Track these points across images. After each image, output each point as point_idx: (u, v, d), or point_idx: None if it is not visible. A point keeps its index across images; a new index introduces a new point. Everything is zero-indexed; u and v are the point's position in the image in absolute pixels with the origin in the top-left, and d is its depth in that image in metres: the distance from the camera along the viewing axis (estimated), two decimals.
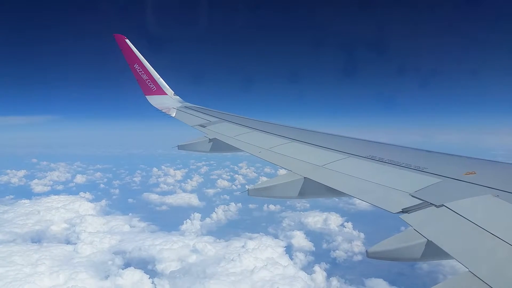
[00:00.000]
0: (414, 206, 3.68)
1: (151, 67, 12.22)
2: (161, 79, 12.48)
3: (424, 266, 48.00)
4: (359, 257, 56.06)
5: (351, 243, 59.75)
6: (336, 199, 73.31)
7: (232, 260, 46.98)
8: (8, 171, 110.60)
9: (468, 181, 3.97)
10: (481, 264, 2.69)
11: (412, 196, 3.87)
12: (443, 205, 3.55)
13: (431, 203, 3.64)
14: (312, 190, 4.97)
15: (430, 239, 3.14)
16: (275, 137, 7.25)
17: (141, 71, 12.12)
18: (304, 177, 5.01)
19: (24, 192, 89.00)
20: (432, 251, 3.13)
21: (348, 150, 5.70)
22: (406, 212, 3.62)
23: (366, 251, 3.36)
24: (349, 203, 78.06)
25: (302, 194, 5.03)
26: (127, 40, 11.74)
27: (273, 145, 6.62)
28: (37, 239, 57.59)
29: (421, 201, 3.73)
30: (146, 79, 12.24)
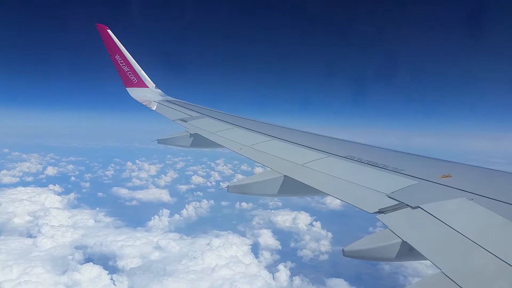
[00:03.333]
0: (391, 207, 3.73)
1: (132, 59, 12.07)
2: (142, 71, 12.35)
3: (386, 267, 48.46)
4: (325, 257, 56.43)
5: (318, 242, 59.96)
6: (309, 198, 73.95)
7: (194, 257, 46.55)
8: None
9: (444, 184, 4.06)
10: (454, 265, 2.76)
11: (389, 197, 3.92)
12: (418, 206, 3.60)
13: (407, 204, 3.69)
14: (292, 188, 5.01)
15: (405, 240, 3.18)
16: (256, 134, 7.27)
17: (122, 63, 11.97)
18: (284, 175, 5.04)
19: None
20: (407, 251, 3.17)
21: (328, 149, 5.76)
22: (383, 212, 3.65)
23: (343, 249, 3.38)
24: (320, 203, 78.48)
25: (281, 192, 5.07)
26: (109, 31, 11.52)
27: (254, 142, 6.66)
28: None
29: (398, 202, 3.78)
30: (127, 71, 12.12)
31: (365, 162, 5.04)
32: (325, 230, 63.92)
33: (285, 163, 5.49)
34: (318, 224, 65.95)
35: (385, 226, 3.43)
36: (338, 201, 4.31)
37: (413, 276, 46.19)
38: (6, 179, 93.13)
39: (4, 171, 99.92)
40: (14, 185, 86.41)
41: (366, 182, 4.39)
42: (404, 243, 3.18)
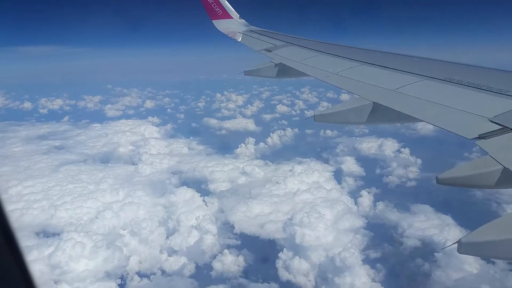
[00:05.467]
0: (492, 132, 3.54)
1: None
2: (226, 1, 12.52)
3: (478, 193, 45.90)
4: (413, 183, 54.83)
5: (406, 169, 58.05)
6: (398, 124, 70.97)
7: (277, 183, 48.49)
8: (85, 96, 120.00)
9: None
10: None
11: (491, 121, 3.71)
12: None
13: (511, 129, 3.49)
14: (382, 115, 4.86)
15: (507, 167, 3.02)
16: (343, 60, 7.07)
17: None
18: (374, 102, 4.89)
19: (98, 116, 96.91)
20: (508, 178, 3.04)
21: (423, 72, 5.49)
22: (483, 138, 3.50)
23: (436, 177, 3.33)
24: (410, 128, 75.01)
25: (370, 120, 4.96)
26: None
27: (341, 69, 6.49)
28: (105, 160, 63.62)
29: (501, 127, 3.58)
30: (212, 3, 12.34)
31: (466, 84, 4.68)
32: (414, 157, 61.35)
33: (374, 89, 5.28)
34: (406, 150, 63.46)
35: (483, 152, 3.30)
36: (430, 126, 4.24)
37: (508, 203, 43.40)
38: (111, 113, 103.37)
39: (109, 105, 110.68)
40: (118, 118, 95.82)
41: (465, 106, 4.12)
42: (505, 170, 3.01)
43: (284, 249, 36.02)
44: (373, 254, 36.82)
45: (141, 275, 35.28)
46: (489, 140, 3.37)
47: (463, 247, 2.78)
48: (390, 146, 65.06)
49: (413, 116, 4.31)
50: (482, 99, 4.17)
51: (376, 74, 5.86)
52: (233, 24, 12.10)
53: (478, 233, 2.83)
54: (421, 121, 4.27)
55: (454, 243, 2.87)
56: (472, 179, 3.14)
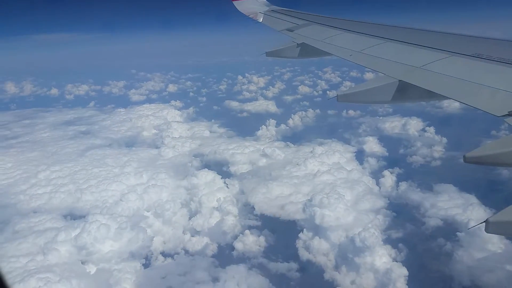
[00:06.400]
0: None
1: None
2: None
3: (505, 172, 44.63)
4: (438, 163, 53.76)
5: (431, 148, 56.84)
6: (423, 103, 69.23)
7: (297, 164, 48.44)
8: (110, 82, 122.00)
9: None
10: None
11: None
12: None
13: None
14: (407, 94, 4.76)
15: None
16: (367, 37, 6.90)
17: None
18: (399, 80, 4.79)
19: (123, 101, 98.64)
20: None
21: (451, 48, 5.33)
22: None
23: (464, 156, 3.27)
24: (435, 107, 73.25)
25: (395, 98, 4.85)
26: None
27: (365, 47, 6.35)
28: (130, 143, 64.97)
29: None
30: None
31: (496, 60, 4.53)
32: (440, 136, 59.92)
33: (400, 66, 5.16)
34: (431, 129, 61.98)
35: None
36: (457, 104, 4.19)
37: None
38: (135, 97, 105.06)
39: (133, 90, 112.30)
40: (142, 102, 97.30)
41: (495, 82, 4.00)
42: None
43: (304, 229, 36.16)
44: (395, 234, 36.58)
45: (165, 255, 36.18)
46: None
47: (491, 227, 2.70)
48: (414, 125, 63.74)
49: (440, 94, 4.20)
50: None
51: (401, 51, 5.73)
52: (254, 4, 11.92)
53: (506, 212, 2.75)
54: (449, 98, 4.16)
55: (481, 223, 2.82)
56: (500, 157, 3.05)
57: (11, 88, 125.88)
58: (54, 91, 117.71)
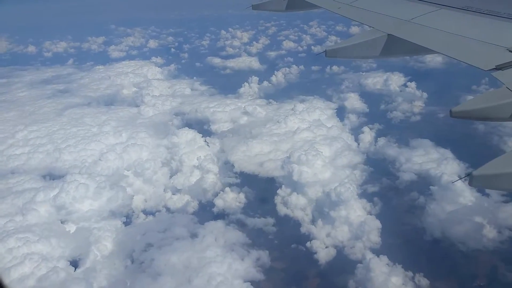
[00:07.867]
0: (510, 62, 3.36)
1: None
2: None
3: (480, 126, 45.34)
4: (418, 118, 54.25)
5: (411, 103, 57.15)
6: (407, 58, 68.66)
7: (277, 122, 48.50)
8: (89, 38, 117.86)
9: None
10: None
11: (510, 51, 3.50)
12: None
13: None
14: (396, 48, 4.67)
15: None
16: None
17: None
18: (388, 34, 4.68)
19: (102, 58, 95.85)
20: None
21: (439, 1, 5.23)
22: (500, 69, 3.32)
23: (450, 110, 3.22)
24: (418, 61, 72.93)
25: (384, 53, 4.78)
26: None
27: None
28: (109, 102, 63.94)
29: None
30: None
31: (485, 12, 4.42)
32: (420, 91, 60.02)
33: (388, 20, 5.03)
34: (412, 84, 61.91)
35: (493, 85, 3.12)
36: (439, 58, 4.11)
37: (510, 136, 42.92)
38: (115, 54, 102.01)
39: (113, 47, 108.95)
40: (122, 59, 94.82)
41: (483, 35, 3.89)
42: None
43: (283, 186, 36.78)
44: (371, 189, 37.46)
45: (146, 212, 36.67)
46: (507, 70, 3.19)
47: (475, 180, 2.69)
48: (396, 81, 63.62)
49: (429, 48, 4.09)
50: (501, 28, 3.90)
51: (390, 3, 5.57)
52: None
53: (490, 166, 2.72)
54: (437, 52, 4.06)
55: (465, 176, 2.81)
56: (487, 111, 3.02)
57: None
58: (32, 49, 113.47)
